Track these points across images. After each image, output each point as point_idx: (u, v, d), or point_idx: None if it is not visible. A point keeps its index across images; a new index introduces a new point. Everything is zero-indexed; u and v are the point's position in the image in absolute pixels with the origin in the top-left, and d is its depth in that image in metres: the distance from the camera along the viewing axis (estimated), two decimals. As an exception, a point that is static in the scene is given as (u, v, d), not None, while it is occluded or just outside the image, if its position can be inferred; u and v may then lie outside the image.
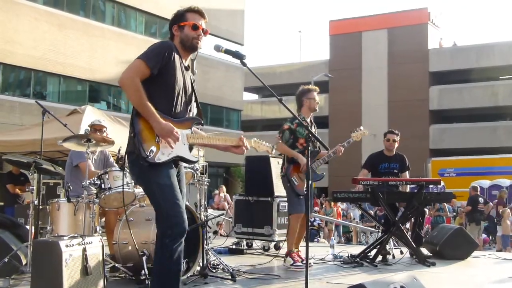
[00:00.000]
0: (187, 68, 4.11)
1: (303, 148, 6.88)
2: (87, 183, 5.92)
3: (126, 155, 4.01)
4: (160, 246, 3.82)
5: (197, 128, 4.23)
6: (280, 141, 7.00)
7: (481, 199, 17.60)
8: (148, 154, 3.75)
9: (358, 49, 46.67)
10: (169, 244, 3.76)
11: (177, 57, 3.96)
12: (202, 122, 4.16)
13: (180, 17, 4.10)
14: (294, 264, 6.78)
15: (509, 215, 16.75)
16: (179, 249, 3.81)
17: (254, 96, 55.11)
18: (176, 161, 3.98)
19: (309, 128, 6.71)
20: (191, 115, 4.20)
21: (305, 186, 6.72)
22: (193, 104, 4.23)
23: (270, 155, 9.00)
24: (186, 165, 6.37)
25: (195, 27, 4.06)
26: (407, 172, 8.33)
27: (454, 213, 21.53)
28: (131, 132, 3.84)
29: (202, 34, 4.10)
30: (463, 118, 44.27)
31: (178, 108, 3.98)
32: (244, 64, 4.33)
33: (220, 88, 35.52)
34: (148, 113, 3.76)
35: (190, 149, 4.06)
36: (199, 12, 4.13)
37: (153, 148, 3.77)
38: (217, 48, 4.43)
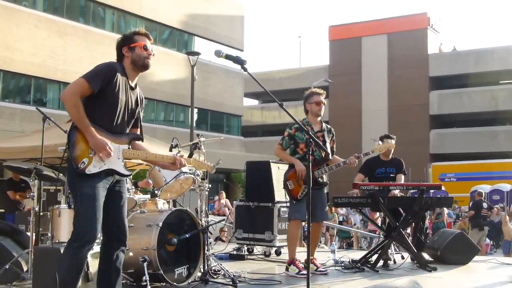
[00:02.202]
0: (132, 88, 4.33)
1: (303, 153, 6.76)
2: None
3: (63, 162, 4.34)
4: (67, 247, 4.09)
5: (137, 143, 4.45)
6: (279, 147, 6.93)
7: (484, 204, 17.51)
8: (79, 165, 4.03)
9: (358, 54, 46.76)
10: (76, 247, 4.01)
11: (120, 78, 4.19)
12: (141, 137, 4.43)
13: (129, 39, 4.35)
14: (300, 273, 6.63)
15: (507, 221, 16.70)
16: (82, 256, 4.05)
17: (254, 102, 55.18)
18: (111, 173, 4.19)
19: (310, 132, 6.64)
20: (138, 131, 4.46)
21: (301, 191, 6.76)
22: (138, 121, 4.48)
23: (271, 161, 8.98)
24: (183, 171, 6.41)
25: (146, 48, 4.33)
26: (402, 176, 8.28)
27: (459, 218, 21.45)
28: (67, 143, 4.14)
29: (152, 54, 4.36)
30: (463, 123, 44.32)
31: (118, 125, 4.23)
32: (245, 69, 4.36)
33: (220, 94, 35.56)
34: (84, 127, 4.04)
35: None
36: (146, 35, 4.41)
37: (85, 160, 4.05)
38: (218, 54, 4.45)
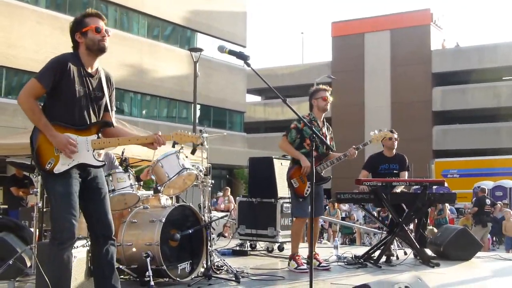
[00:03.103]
0: (91, 75, 4.17)
1: (309, 148, 6.78)
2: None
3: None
4: (50, 247, 4.04)
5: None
6: (285, 139, 6.91)
7: (488, 201, 17.44)
8: (46, 167, 3.98)
9: (360, 50, 46.67)
10: (58, 246, 3.96)
11: (74, 68, 4.05)
12: (110, 123, 4.26)
13: (79, 24, 4.16)
14: (298, 267, 6.74)
15: (510, 217, 16.66)
16: (67, 253, 4.00)
17: (257, 98, 55.11)
18: (85, 167, 4.12)
19: (315, 128, 6.64)
20: (112, 118, 4.31)
21: (306, 188, 6.76)
22: (111, 106, 4.33)
23: (274, 157, 8.98)
24: (189, 166, 6.42)
25: (98, 30, 4.13)
26: (406, 172, 8.29)
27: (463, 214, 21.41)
28: (31, 147, 4.05)
29: (106, 35, 4.16)
30: (466, 119, 44.23)
31: (81, 117, 4.09)
32: (248, 65, 4.35)
33: (223, 90, 35.54)
34: (44, 128, 3.97)
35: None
36: (97, 15, 4.20)
37: (52, 160, 3.98)
38: (221, 49, 4.44)
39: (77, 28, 4.17)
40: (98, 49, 4.14)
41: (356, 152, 6.91)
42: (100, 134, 4.18)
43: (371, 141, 7.22)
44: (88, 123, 4.13)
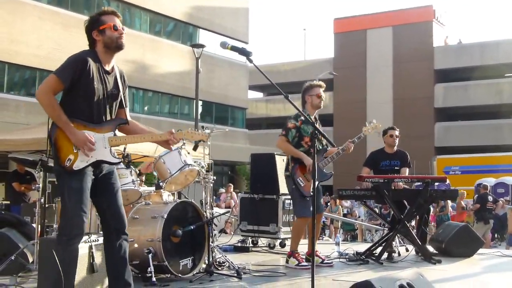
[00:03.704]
0: (108, 72, 4.22)
1: (308, 147, 6.68)
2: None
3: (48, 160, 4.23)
4: (58, 243, 4.04)
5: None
6: (284, 139, 6.78)
7: (490, 198, 17.41)
8: (65, 164, 3.99)
9: (363, 47, 46.59)
10: (66, 242, 3.99)
11: (93, 66, 4.08)
12: (126, 121, 4.33)
13: (96, 22, 4.21)
14: (299, 264, 6.70)
15: None
16: (74, 248, 4.04)
17: (259, 94, 55.09)
18: (99, 164, 4.15)
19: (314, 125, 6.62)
20: (126, 114, 4.36)
21: (312, 186, 6.70)
22: (125, 102, 4.37)
23: (275, 153, 8.98)
24: (190, 163, 6.42)
25: (116, 27, 4.19)
26: (406, 169, 8.26)
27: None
28: (50, 143, 4.09)
29: (123, 32, 4.23)
30: (468, 116, 44.18)
31: (98, 114, 4.14)
32: (250, 61, 4.35)
33: (225, 87, 35.54)
34: (63, 125, 4.00)
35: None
36: (113, 13, 4.29)
37: (71, 157, 4.00)
38: (224, 45, 4.43)
39: (94, 26, 4.20)
40: (116, 47, 4.20)
41: (352, 146, 6.86)
42: (116, 131, 4.23)
43: (364, 134, 7.13)
44: (105, 120, 4.18)
